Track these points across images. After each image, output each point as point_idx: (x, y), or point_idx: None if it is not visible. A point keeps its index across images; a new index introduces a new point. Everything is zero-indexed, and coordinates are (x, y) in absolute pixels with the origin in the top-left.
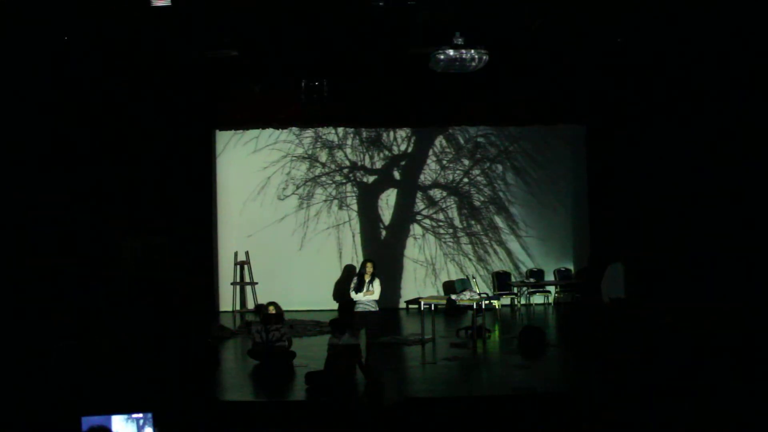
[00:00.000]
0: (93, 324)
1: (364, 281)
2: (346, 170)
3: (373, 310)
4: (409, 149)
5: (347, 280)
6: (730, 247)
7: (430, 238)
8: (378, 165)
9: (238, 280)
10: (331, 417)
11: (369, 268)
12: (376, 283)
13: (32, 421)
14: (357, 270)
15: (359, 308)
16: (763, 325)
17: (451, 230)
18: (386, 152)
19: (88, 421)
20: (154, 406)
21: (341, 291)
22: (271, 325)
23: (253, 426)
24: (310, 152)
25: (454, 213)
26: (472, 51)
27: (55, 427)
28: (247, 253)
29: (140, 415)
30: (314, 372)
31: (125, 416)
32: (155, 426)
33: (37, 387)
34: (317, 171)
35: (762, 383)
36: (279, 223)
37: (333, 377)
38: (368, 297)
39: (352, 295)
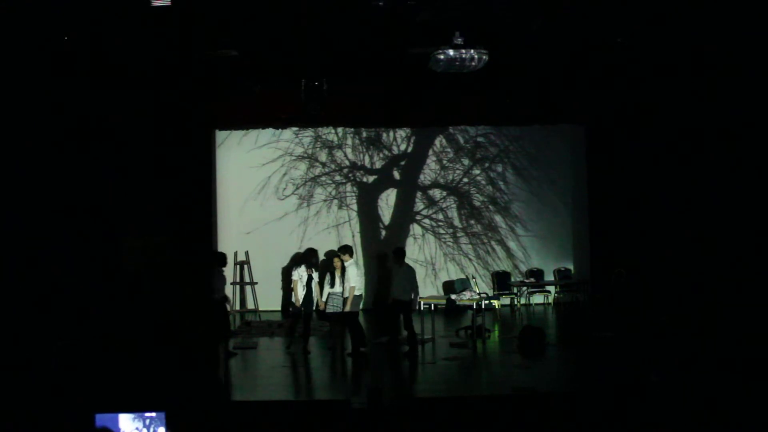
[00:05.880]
0: (93, 324)
1: (335, 276)
2: (345, 170)
3: (335, 311)
4: (409, 149)
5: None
6: (729, 247)
7: (430, 237)
8: (378, 165)
9: (237, 279)
10: (332, 417)
11: (336, 262)
12: (345, 275)
13: (32, 421)
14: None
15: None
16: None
17: (450, 230)
18: (386, 152)
19: (101, 419)
20: (167, 405)
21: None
22: None
23: (258, 426)
24: (309, 152)
25: (453, 213)
26: (472, 51)
27: (56, 427)
28: (246, 253)
29: (153, 414)
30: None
31: (135, 415)
32: (167, 425)
33: (37, 387)
34: (317, 171)
35: (761, 383)
36: (279, 223)
37: None
38: (338, 289)
39: (326, 288)
